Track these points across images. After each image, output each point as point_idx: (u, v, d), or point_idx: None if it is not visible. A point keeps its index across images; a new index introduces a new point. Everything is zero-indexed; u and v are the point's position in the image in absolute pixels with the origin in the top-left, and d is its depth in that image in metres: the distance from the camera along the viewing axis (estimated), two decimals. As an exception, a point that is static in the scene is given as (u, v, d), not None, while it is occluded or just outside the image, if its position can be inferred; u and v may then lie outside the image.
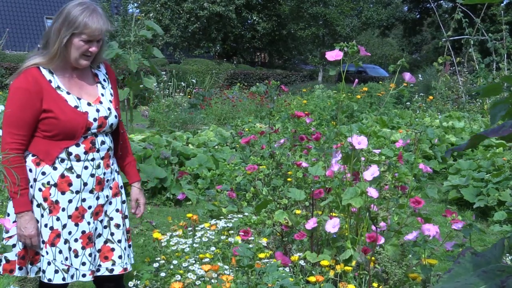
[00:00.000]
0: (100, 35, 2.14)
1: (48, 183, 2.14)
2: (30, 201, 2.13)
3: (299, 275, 2.24)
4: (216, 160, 5.89)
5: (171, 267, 2.34)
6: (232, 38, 26.70)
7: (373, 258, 2.28)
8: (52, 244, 2.15)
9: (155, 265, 2.46)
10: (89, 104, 2.19)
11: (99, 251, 2.24)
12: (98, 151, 2.21)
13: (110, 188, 2.29)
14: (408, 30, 33.35)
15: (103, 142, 2.23)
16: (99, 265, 2.23)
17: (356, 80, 2.69)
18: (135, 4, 25.19)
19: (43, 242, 2.15)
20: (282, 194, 2.77)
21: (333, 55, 2.25)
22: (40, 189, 2.15)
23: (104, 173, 2.24)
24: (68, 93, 2.17)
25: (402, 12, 31.73)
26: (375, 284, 2.23)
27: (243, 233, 2.46)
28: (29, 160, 2.15)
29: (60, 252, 2.15)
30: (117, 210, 2.29)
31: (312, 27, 26.35)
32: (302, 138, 3.11)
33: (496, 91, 1.05)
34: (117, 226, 2.28)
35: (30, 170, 2.15)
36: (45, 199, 2.15)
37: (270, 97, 3.22)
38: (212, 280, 2.12)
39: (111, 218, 2.28)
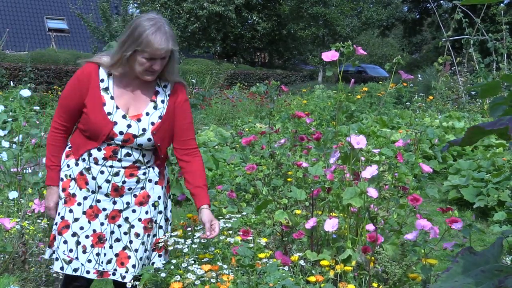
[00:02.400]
0: (163, 53, 2.10)
1: (70, 176, 2.24)
2: (59, 178, 2.26)
3: (299, 275, 2.24)
4: (216, 160, 5.89)
5: (171, 267, 2.33)
6: (232, 38, 26.69)
7: (372, 258, 2.28)
8: (59, 233, 2.22)
9: (153, 261, 2.45)
10: (124, 116, 2.18)
11: (116, 255, 2.25)
12: (119, 160, 2.20)
13: (134, 196, 2.26)
14: (408, 30, 33.34)
15: (128, 154, 2.21)
16: (115, 269, 2.25)
17: (353, 80, 2.68)
18: (135, 4, 25.18)
19: (56, 230, 2.25)
20: (282, 194, 2.77)
21: (329, 55, 2.25)
22: (61, 179, 2.26)
23: (124, 182, 2.22)
24: (112, 97, 2.18)
25: (402, 12, 31.72)
26: (375, 284, 2.23)
27: (243, 233, 2.46)
28: (64, 152, 2.28)
29: (65, 242, 2.21)
30: (139, 220, 2.27)
31: (312, 27, 26.34)
32: (302, 138, 3.11)
33: (495, 90, 1.04)
34: (137, 235, 2.26)
35: (61, 160, 2.29)
36: (63, 190, 2.25)
37: (270, 97, 3.24)
38: (212, 280, 2.12)
39: (132, 226, 2.26)
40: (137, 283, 2.22)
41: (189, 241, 2.35)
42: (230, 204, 3.66)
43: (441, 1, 29.24)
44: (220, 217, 2.94)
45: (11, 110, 7.94)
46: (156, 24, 2.09)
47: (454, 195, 5.32)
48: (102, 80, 2.19)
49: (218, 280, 2.12)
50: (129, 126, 2.17)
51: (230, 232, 2.65)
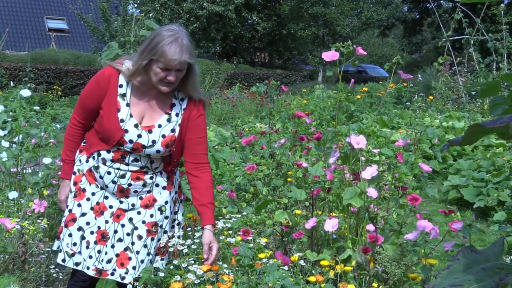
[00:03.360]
0: (177, 65, 2.08)
1: (82, 170, 2.30)
2: (72, 172, 2.32)
3: (299, 275, 2.23)
4: (216, 160, 5.88)
5: (171, 267, 2.33)
6: (232, 38, 26.68)
7: (372, 258, 2.28)
8: (66, 226, 2.26)
9: (155, 265, 2.45)
10: (136, 125, 2.18)
11: (117, 255, 2.25)
12: (127, 164, 2.22)
13: (140, 198, 2.27)
14: (408, 30, 33.34)
15: (136, 160, 2.23)
16: (114, 269, 2.25)
17: (353, 80, 2.68)
18: (135, 4, 25.18)
19: (63, 221, 2.28)
20: (282, 194, 2.77)
21: (329, 55, 2.25)
22: (74, 173, 2.31)
23: (130, 184, 2.24)
24: (127, 104, 2.19)
25: (402, 12, 31.71)
26: (375, 284, 2.23)
27: (243, 233, 2.46)
28: (79, 146, 2.34)
29: (70, 235, 2.25)
30: (143, 222, 2.27)
31: (312, 27, 26.35)
32: (302, 138, 3.11)
33: (495, 90, 1.04)
34: (139, 237, 2.26)
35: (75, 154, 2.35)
36: (74, 183, 2.30)
37: (270, 97, 3.23)
38: (212, 280, 2.12)
39: (136, 228, 2.26)
40: (137, 283, 2.22)
41: (189, 241, 2.35)
42: (230, 204, 3.66)
43: (441, 1, 29.24)
44: (220, 217, 2.94)
45: (11, 110, 7.94)
46: (174, 35, 2.08)
47: (454, 195, 5.32)
48: (121, 86, 2.20)
49: (218, 280, 2.12)
50: (139, 136, 2.18)
51: (230, 232, 2.65)
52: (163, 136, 2.21)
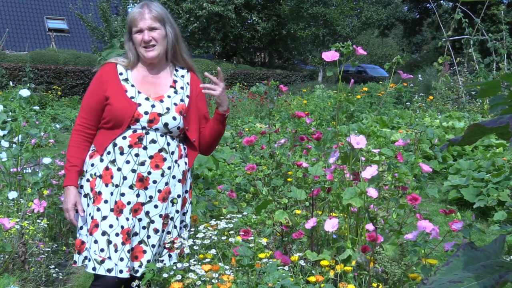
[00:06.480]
0: (142, 20, 2.20)
1: (95, 174, 2.24)
2: (76, 178, 2.25)
3: (299, 275, 2.23)
4: (216, 160, 5.88)
5: (174, 267, 2.33)
6: (231, 38, 26.67)
7: (372, 258, 2.28)
8: (90, 233, 2.20)
9: (163, 258, 2.44)
10: (147, 98, 2.25)
11: (132, 249, 2.23)
12: (145, 148, 2.22)
13: (159, 191, 2.26)
14: (408, 30, 33.36)
15: (153, 141, 2.23)
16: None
17: (352, 80, 2.68)
18: (135, 4, 25.18)
19: (88, 230, 2.22)
20: (282, 194, 2.77)
21: (329, 55, 2.25)
22: (88, 180, 2.26)
23: (149, 173, 2.23)
24: (132, 85, 2.26)
25: (402, 12, 31.72)
26: (374, 284, 2.23)
27: (243, 233, 2.45)
28: (89, 153, 2.30)
29: (96, 242, 2.18)
30: (160, 216, 2.26)
31: (312, 27, 26.34)
32: (303, 138, 3.10)
33: (495, 90, 1.04)
34: (156, 231, 2.25)
35: (85, 162, 2.29)
36: (91, 189, 2.24)
37: (270, 97, 3.23)
38: (213, 281, 2.12)
39: (152, 221, 2.25)
40: (140, 282, 2.21)
41: (190, 242, 2.35)
42: (230, 204, 3.66)
43: (441, 1, 29.25)
44: (220, 217, 2.94)
45: (10, 110, 7.94)
46: (142, 3, 2.24)
47: (454, 195, 5.31)
48: (121, 74, 2.29)
49: (218, 280, 2.12)
50: (153, 106, 2.24)
51: (231, 232, 2.65)
52: (175, 104, 2.28)
